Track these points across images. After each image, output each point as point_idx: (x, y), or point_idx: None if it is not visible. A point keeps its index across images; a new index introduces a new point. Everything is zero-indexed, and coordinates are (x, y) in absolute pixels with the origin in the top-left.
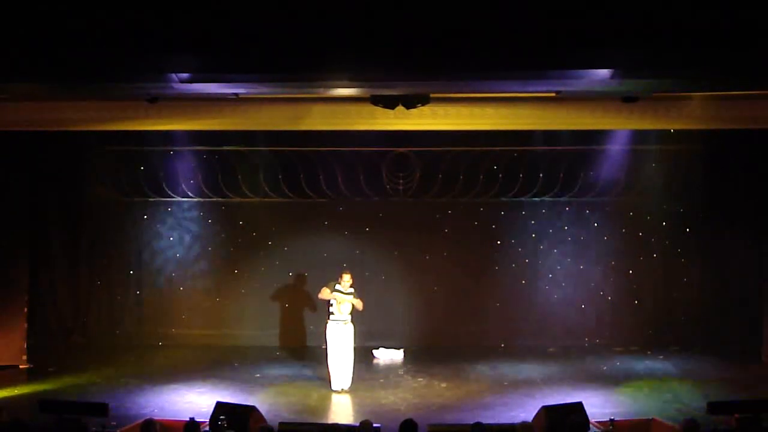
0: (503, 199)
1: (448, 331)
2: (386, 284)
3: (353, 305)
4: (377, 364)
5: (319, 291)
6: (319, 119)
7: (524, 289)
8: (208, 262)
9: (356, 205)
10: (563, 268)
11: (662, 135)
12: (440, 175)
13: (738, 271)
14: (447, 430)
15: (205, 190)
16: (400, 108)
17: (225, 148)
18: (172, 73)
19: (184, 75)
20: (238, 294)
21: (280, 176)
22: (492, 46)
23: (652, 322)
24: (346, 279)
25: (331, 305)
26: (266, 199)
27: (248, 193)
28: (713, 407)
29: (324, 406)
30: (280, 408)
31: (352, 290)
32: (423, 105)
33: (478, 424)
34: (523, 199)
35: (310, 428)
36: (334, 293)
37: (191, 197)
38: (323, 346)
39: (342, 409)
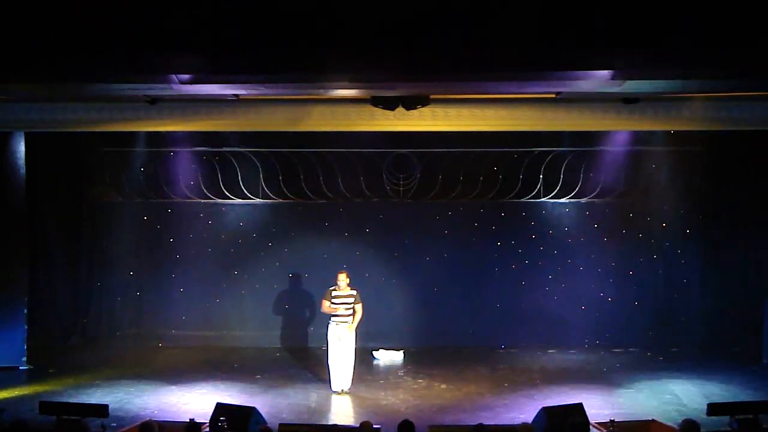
0: (503, 200)
1: (448, 332)
2: (386, 285)
3: (353, 311)
4: (377, 365)
5: (321, 304)
6: (319, 120)
7: (524, 290)
8: (208, 263)
9: (356, 207)
10: (563, 269)
11: (662, 136)
12: (440, 177)
13: (738, 272)
14: (447, 431)
15: (205, 191)
16: (400, 109)
17: (225, 149)
18: (172, 74)
19: (184, 76)
20: (238, 295)
21: (280, 177)
22: (492, 47)
23: (653, 323)
24: (342, 278)
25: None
26: (266, 201)
27: (248, 194)
28: (713, 408)
29: (324, 408)
30: (281, 409)
31: (353, 292)
32: (423, 106)
33: (480, 426)
34: (523, 200)
35: (310, 429)
36: (332, 306)
37: (191, 198)
38: (323, 347)
39: (342, 410)
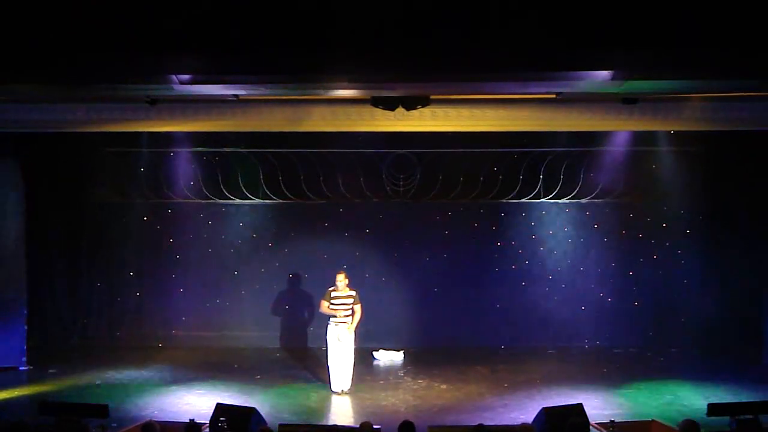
0: (503, 200)
1: (448, 332)
2: (386, 286)
3: (353, 312)
4: (377, 365)
5: (320, 305)
6: (319, 121)
7: (524, 290)
8: (208, 263)
9: (356, 207)
10: (563, 269)
11: (662, 136)
12: (440, 177)
13: (738, 272)
14: (447, 431)
15: (205, 192)
16: (401, 109)
17: (225, 149)
18: (172, 74)
19: (185, 76)
20: (239, 295)
21: (280, 177)
22: (492, 48)
23: (652, 323)
24: (340, 279)
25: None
26: (266, 201)
27: (248, 194)
28: (713, 409)
29: (324, 408)
30: (281, 409)
31: (352, 293)
32: (423, 107)
33: (480, 426)
34: (523, 200)
35: (310, 430)
36: (331, 307)
37: (191, 198)
38: (323, 348)
39: (342, 411)
